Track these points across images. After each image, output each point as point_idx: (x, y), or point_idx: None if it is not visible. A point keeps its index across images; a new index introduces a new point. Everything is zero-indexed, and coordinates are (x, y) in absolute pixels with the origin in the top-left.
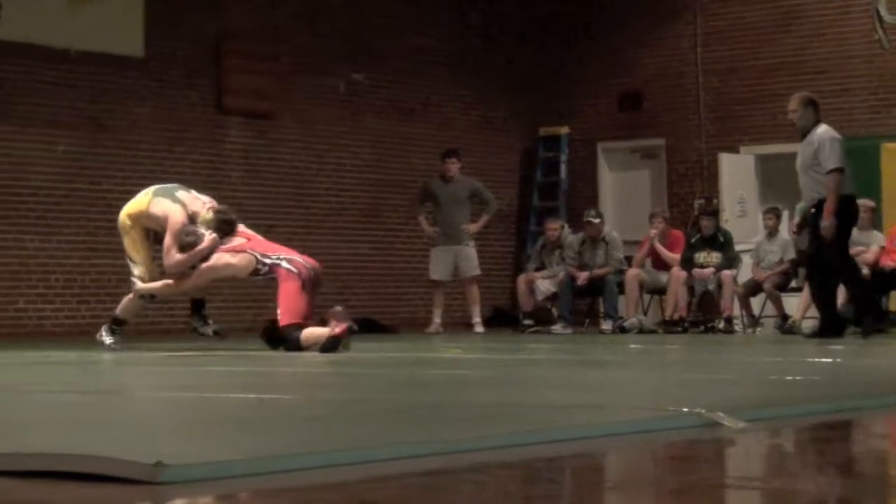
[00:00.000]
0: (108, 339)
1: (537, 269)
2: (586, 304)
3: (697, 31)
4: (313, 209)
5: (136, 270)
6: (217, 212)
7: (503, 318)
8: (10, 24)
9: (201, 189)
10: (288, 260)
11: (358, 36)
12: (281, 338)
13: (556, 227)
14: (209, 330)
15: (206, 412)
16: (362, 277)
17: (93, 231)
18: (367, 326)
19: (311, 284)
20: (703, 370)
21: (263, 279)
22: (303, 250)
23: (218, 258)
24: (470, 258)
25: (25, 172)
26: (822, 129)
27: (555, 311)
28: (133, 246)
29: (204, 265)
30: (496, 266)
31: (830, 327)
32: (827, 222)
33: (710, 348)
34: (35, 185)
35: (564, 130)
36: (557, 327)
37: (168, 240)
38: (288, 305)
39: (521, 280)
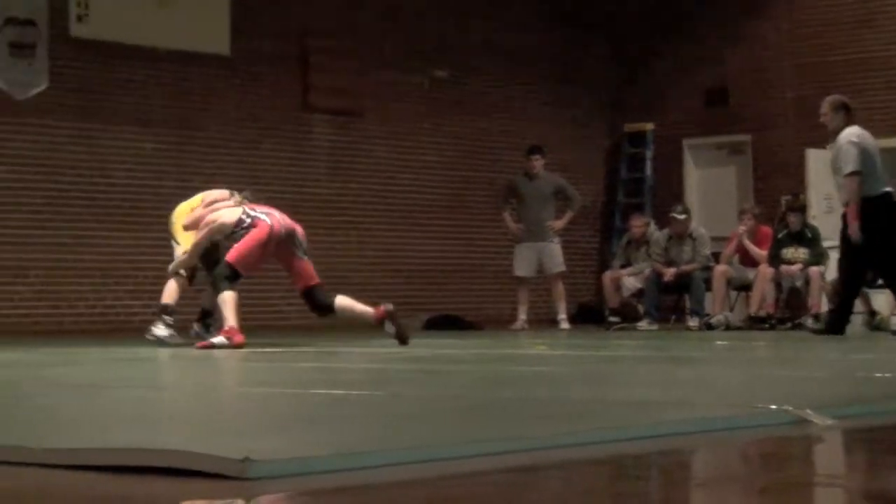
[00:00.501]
0: (162, 333)
1: (623, 266)
2: (672, 301)
3: (784, 26)
4: (397, 206)
5: (179, 250)
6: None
7: (588, 315)
8: (100, 23)
9: (285, 184)
10: (267, 214)
11: (442, 33)
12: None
13: (640, 224)
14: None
15: (292, 408)
16: (446, 274)
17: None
18: (452, 323)
19: (275, 243)
20: (791, 367)
21: (245, 231)
22: (386, 247)
23: (212, 217)
24: (554, 255)
25: (113, 171)
26: (844, 133)
27: (640, 308)
28: (181, 231)
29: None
30: (581, 262)
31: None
32: (851, 227)
33: (797, 345)
34: (123, 182)
35: (650, 127)
36: (643, 324)
37: (201, 213)
38: (242, 248)
39: (607, 277)
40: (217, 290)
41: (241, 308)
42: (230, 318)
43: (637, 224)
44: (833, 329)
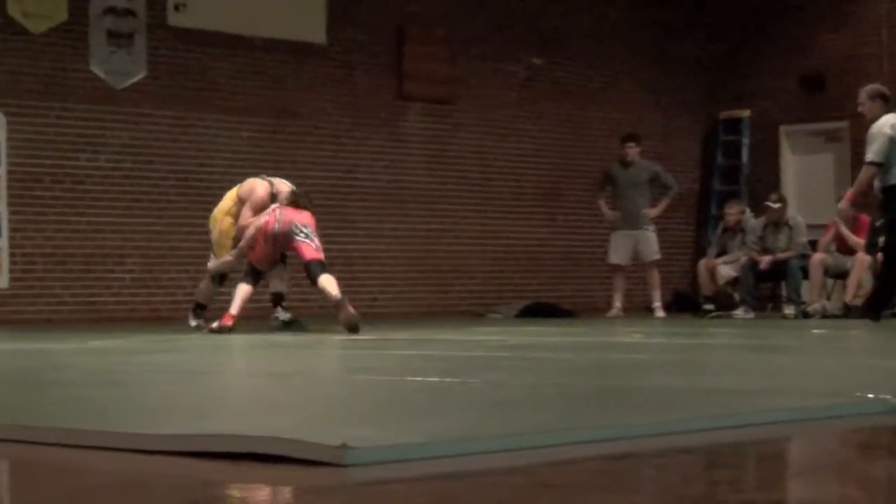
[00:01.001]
0: (192, 322)
1: (718, 255)
2: (769, 289)
3: (882, 10)
4: (492, 194)
5: (218, 254)
6: (292, 192)
7: (684, 303)
8: (197, 12)
9: (380, 173)
10: (269, 211)
11: (537, 20)
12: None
13: (735, 212)
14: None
15: (388, 395)
16: (542, 261)
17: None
18: (547, 311)
19: (274, 236)
20: (890, 356)
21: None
22: (482, 235)
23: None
24: (650, 242)
25: (211, 158)
26: (879, 122)
27: (736, 296)
28: (221, 236)
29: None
30: (677, 250)
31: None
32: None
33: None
34: (220, 170)
35: (746, 113)
36: (739, 312)
37: (245, 211)
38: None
39: (702, 264)
40: (245, 281)
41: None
42: (235, 305)
43: (732, 212)
44: (869, 314)
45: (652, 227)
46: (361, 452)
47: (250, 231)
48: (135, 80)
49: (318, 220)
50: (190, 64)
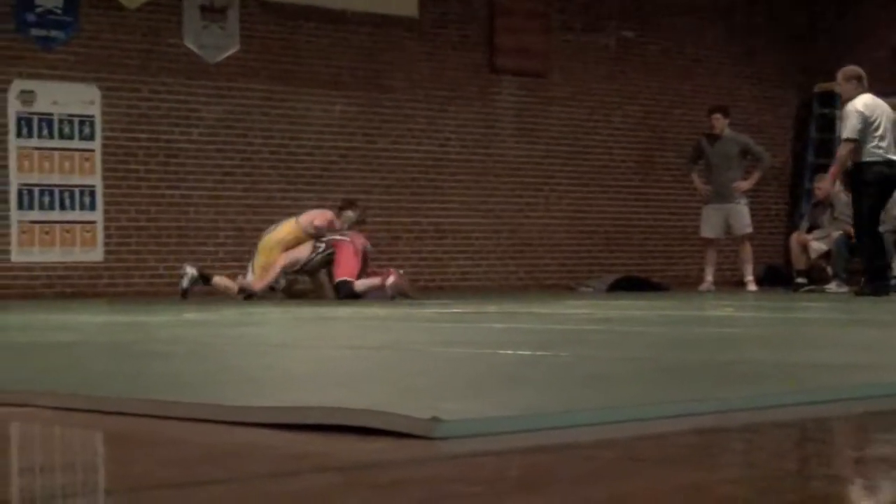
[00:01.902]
0: (185, 282)
1: (810, 230)
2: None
3: None
4: (584, 167)
5: (252, 277)
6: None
7: (776, 277)
8: None
9: (473, 146)
10: (340, 234)
11: None
12: (346, 292)
13: (822, 186)
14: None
15: (479, 368)
16: (633, 235)
17: (367, 189)
18: (638, 284)
19: (362, 255)
20: None
21: (323, 256)
22: (574, 208)
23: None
24: (742, 216)
25: (303, 132)
26: (853, 102)
27: (829, 270)
28: (267, 263)
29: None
30: (769, 224)
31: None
32: (826, 184)
33: None
34: (312, 144)
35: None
36: (832, 286)
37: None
38: (344, 265)
39: (794, 238)
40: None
41: (427, 269)
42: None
43: (821, 185)
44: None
45: (744, 201)
46: (452, 425)
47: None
48: (228, 54)
49: (410, 194)
50: (283, 38)
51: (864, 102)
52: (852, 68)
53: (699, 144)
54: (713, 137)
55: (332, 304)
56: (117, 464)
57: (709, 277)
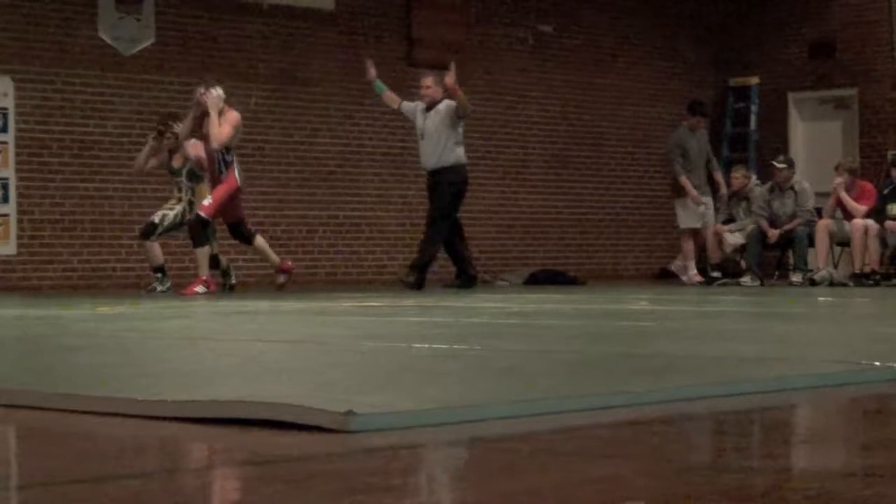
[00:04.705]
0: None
1: (725, 222)
2: (775, 257)
3: None
4: (501, 161)
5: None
6: None
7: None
8: None
9: (388, 139)
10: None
11: None
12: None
13: (739, 176)
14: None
15: (394, 362)
16: (549, 229)
17: (284, 182)
18: (554, 278)
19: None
20: None
21: (217, 165)
22: (490, 201)
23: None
24: (713, 208)
25: None
26: None
27: (743, 263)
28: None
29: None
30: None
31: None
32: None
33: None
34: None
35: (754, 81)
36: (746, 279)
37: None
38: (219, 201)
39: (710, 232)
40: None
41: (344, 263)
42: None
43: (736, 175)
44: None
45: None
46: (367, 419)
47: None
48: (143, 46)
49: (327, 188)
50: (198, 30)
51: None
52: None
53: (682, 141)
54: (692, 133)
55: (250, 298)
56: (31, 458)
57: (692, 270)
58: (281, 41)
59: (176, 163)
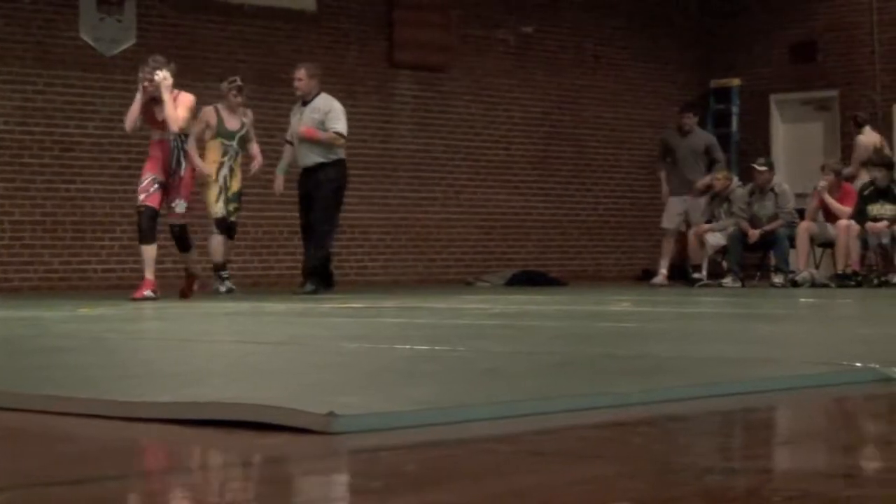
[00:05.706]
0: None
1: (707, 222)
2: (757, 258)
3: None
4: (482, 162)
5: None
6: None
7: (674, 272)
8: None
9: (371, 140)
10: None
11: None
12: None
13: (720, 178)
14: (223, 288)
15: (377, 363)
16: (531, 230)
17: (266, 184)
18: (536, 279)
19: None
20: (878, 325)
21: (177, 149)
22: (472, 202)
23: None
24: (700, 209)
25: None
26: None
27: (725, 265)
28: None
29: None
30: None
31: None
32: None
33: (884, 303)
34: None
35: (736, 82)
36: (727, 281)
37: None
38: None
39: (692, 233)
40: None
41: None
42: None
43: (718, 177)
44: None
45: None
46: (349, 420)
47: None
48: (124, 47)
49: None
50: (180, 31)
51: None
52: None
53: (667, 141)
54: (682, 133)
55: (232, 300)
56: (10, 460)
57: (662, 270)
58: (262, 42)
59: (231, 125)
